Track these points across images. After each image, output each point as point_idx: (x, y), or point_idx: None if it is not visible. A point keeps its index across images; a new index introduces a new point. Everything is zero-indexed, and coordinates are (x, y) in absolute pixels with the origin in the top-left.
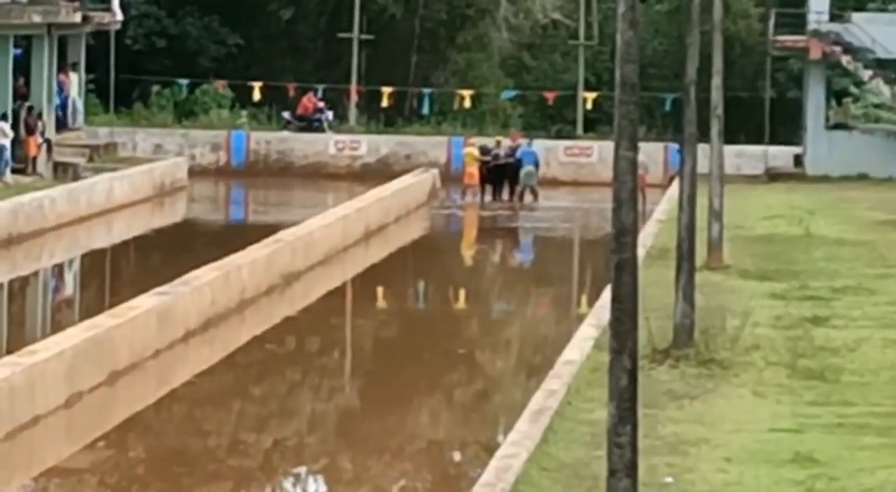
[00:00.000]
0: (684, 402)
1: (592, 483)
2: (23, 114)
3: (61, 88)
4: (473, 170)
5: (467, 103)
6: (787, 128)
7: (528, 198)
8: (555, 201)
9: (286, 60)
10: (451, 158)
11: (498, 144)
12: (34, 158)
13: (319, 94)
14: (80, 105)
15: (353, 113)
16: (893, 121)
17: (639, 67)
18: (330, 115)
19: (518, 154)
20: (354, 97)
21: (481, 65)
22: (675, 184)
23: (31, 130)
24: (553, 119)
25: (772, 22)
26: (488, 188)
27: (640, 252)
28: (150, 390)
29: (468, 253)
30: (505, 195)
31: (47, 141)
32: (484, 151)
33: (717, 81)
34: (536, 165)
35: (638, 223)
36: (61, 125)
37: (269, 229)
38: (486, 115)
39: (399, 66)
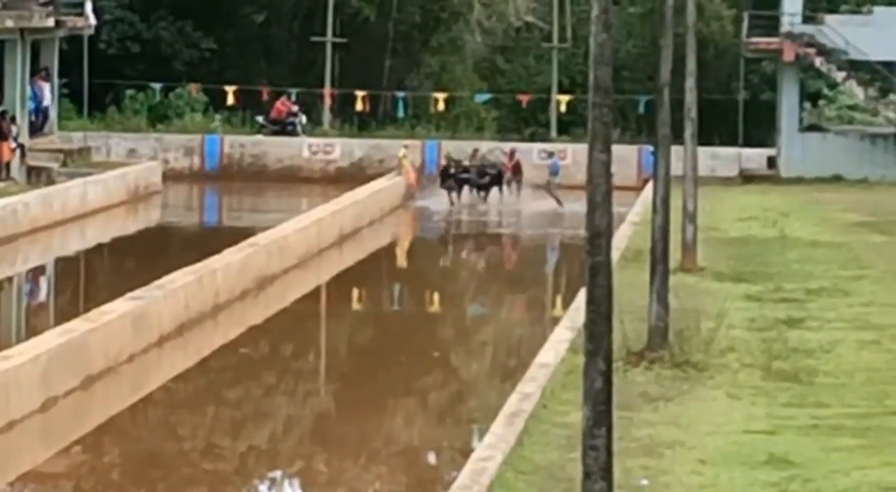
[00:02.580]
0: (659, 404)
1: (567, 486)
2: None
3: (36, 93)
4: (410, 171)
5: (441, 106)
6: (760, 130)
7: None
8: (530, 205)
9: (260, 64)
10: (426, 162)
11: (474, 153)
12: (7, 163)
13: (293, 97)
14: (51, 111)
15: (326, 116)
16: (867, 122)
17: (613, 70)
18: (304, 118)
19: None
20: (328, 101)
21: (455, 68)
22: (649, 186)
23: (3, 136)
24: (527, 122)
25: (745, 24)
26: (453, 193)
27: (615, 255)
28: (125, 395)
29: (442, 256)
30: (462, 198)
31: (21, 146)
32: (445, 170)
33: (690, 83)
34: (555, 173)
35: (612, 226)
36: (35, 130)
37: (244, 233)
38: (461, 118)
39: (373, 70)
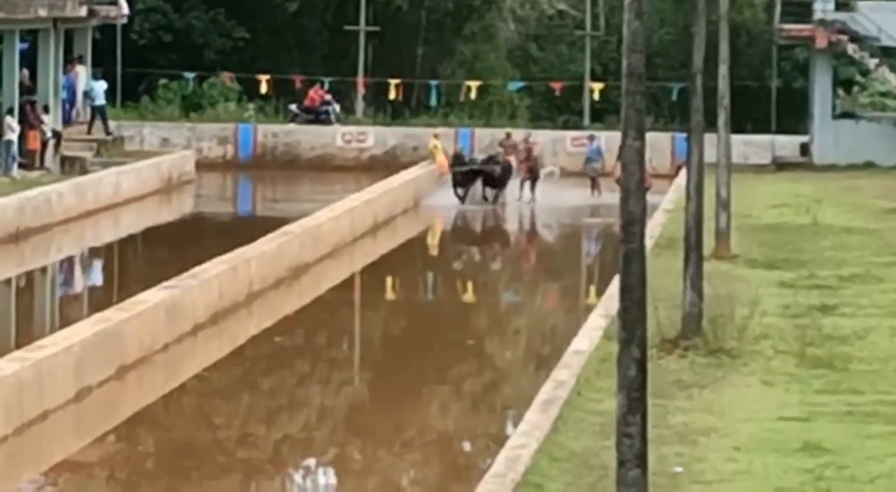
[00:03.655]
0: (693, 391)
1: (602, 473)
2: (27, 109)
3: (70, 82)
4: (442, 160)
5: (474, 94)
6: (793, 117)
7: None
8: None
9: (292, 53)
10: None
11: (508, 136)
12: (37, 152)
13: (326, 86)
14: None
15: (359, 105)
16: None
17: (645, 57)
18: (337, 107)
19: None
20: (361, 89)
21: (488, 56)
22: (683, 173)
23: (32, 125)
24: (560, 110)
25: (777, 11)
26: (460, 190)
27: (648, 242)
28: (158, 384)
29: (476, 245)
30: (473, 195)
31: (57, 135)
32: (457, 158)
33: (723, 71)
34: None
35: (646, 213)
36: (69, 119)
37: (277, 222)
38: (493, 106)
39: (405, 58)
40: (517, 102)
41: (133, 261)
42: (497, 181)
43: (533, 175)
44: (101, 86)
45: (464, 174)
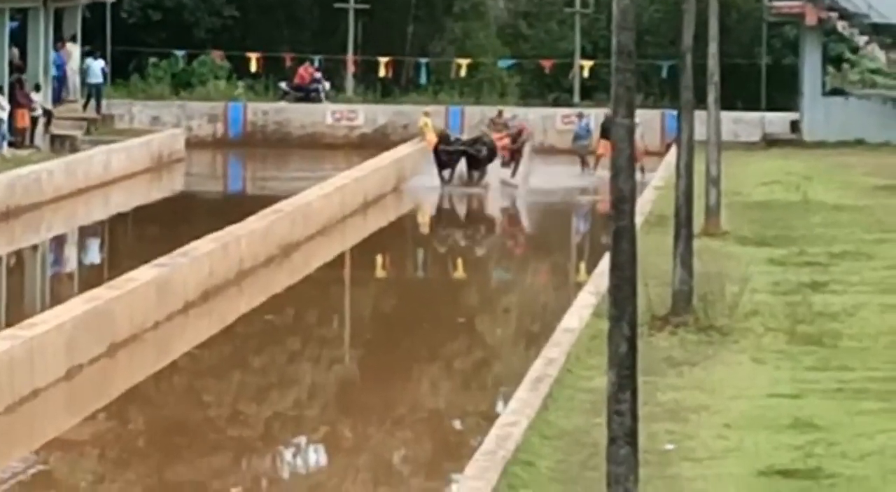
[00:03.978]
0: (684, 369)
1: (593, 451)
2: (15, 87)
3: (61, 61)
4: (433, 138)
5: (464, 72)
6: (783, 94)
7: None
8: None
9: (282, 31)
10: (448, 127)
11: (500, 114)
12: (26, 131)
13: (316, 64)
14: (78, 77)
15: (349, 83)
16: (889, 86)
17: (635, 35)
18: (327, 85)
19: (524, 137)
20: (351, 67)
21: (478, 34)
22: (673, 151)
23: (21, 104)
24: (550, 87)
25: None
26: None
27: (639, 219)
28: (149, 362)
29: (466, 223)
30: (457, 175)
31: (47, 113)
32: (443, 138)
33: (713, 48)
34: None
35: (636, 191)
36: (59, 98)
37: (268, 200)
38: (483, 83)
39: (395, 36)
40: (507, 80)
41: (123, 239)
42: (481, 163)
43: (516, 157)
44: (97, 64)
45: (449, 154)
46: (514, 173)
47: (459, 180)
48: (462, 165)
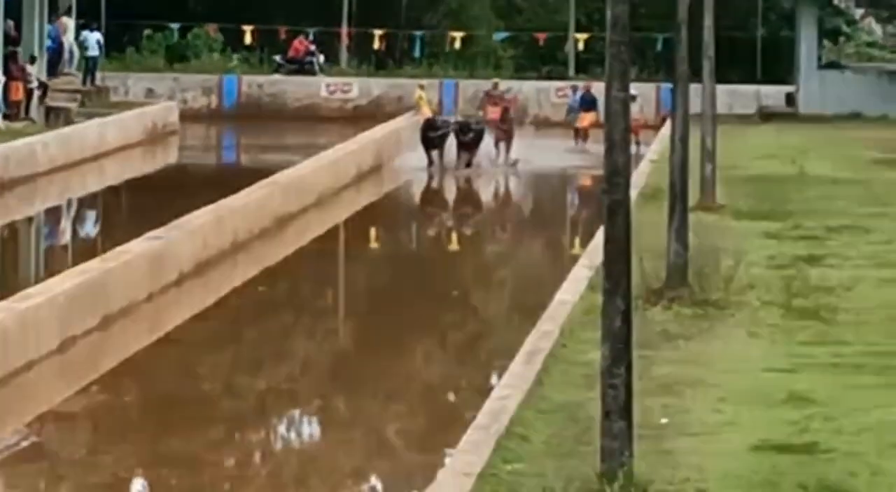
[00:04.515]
0: (679, 342)
1: (587, 425)
2: (9, 60)
3: (56, 33)
4: (427, 111)
5: (458, 45)
6: (779, 67)
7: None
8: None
9: (277, 4)
10: (443, 101)
11: (495, 86)
12: (21, 103)
13: (311, 36)
14: (76, 50)
15: (344, 56)
16: (886, 59)
17: (630, 7)
18: (321, 57)
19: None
20: (345, 40)
21: (472, 6)
22: (668, 124)
23: (15, 76)
24: (544, 60)
25: None
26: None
27: (633, 193)
28: (143, 335)
29: (461, 194)
30: (446, 158)
31: (43, 86)
32: (429, 123)
33: (708, 21)
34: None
35: (631, 164)
36: (54, 70)
37: (262, 172)
38: (478, 56)
39: (390, 9)
40: (501, 53)
41: (117, 211)
42: (469, 146)
43: (508, 135)
44: (94, 37)
45: (436, 138)
46: (507, 153)
47: (447, 163)
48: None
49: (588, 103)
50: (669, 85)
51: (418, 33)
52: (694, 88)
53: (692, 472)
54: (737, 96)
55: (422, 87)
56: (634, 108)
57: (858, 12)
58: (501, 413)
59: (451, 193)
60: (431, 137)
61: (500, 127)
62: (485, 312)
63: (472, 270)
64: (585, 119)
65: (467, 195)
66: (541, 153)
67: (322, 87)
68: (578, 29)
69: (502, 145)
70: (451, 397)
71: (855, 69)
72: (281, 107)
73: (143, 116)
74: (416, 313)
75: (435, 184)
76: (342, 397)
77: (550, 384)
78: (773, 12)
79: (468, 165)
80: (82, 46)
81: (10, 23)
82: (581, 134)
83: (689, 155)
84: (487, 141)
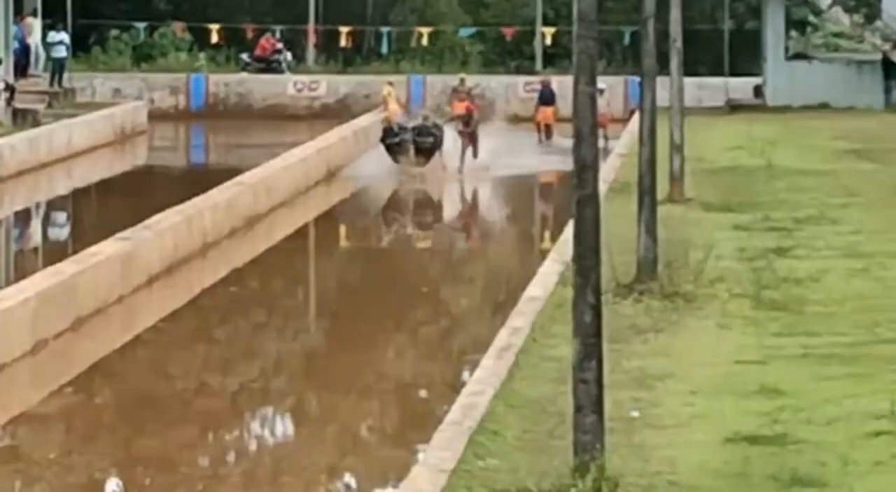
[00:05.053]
0: (649, 336)
1: (559, 419)
2: None
3: (21, 35)
4: (395, 108)
5: (425, 41)
6: (746, 59)
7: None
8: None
9: (243, 2)
10: (412, 97)
11: (462, 82)
12: None
13: (277, 34)
14: (41, 51)
15: (311, 54)
16: (853, 49)
17: (597, 1)
18: (289, 55)
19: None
20: (312, 37)
21: (438, 2)
22: (636, 117)
23: None
24: (512, 55)
25: None
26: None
27: (603, 187)
28: (115, 336)
29: (431, 191)
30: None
31: (10, 88)
32: (387, 132)
33: (675, 14)
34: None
35: (599, 159)
36: (21, 71)
37: (231, 172)
38: (445, 52)
39: (356, 5)
40: (469, 48)
41: (87, 213)
42: (429, 151)
43: (472, 139)
44: (60, 37)
45: (396, 145)
46: (475, 154)
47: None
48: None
49: (546, 97)
50: (637, 78)
51: (385, 30)
52: (662, 81)
53: (664, 465)
54: (705, 89)
55: (391, 83)
56: (602, 102)
57: (825, 2)
58: (473, 409)
59: (420, 190)
60: (389, 144)
61: (464, 131)
62: (455, 307)
63: (441, 267)
64: (543, 113)
65: (436, 192)
66: (508, 152)
67: (289, 86)
68: (545, 23)
69: (469, 150)
70: (423, 392)
71: (822, 60)
72: (248, 106)
73: (111, 117)
74: (387, 310)
75: (404, 180)
76: (314, 395)
77: (522, 379)
78: (740, 4)
79: (425, 164)
80: (49, 47)
81: None
82: (544, 129)
83: (658, 148)
84: (451, 141)
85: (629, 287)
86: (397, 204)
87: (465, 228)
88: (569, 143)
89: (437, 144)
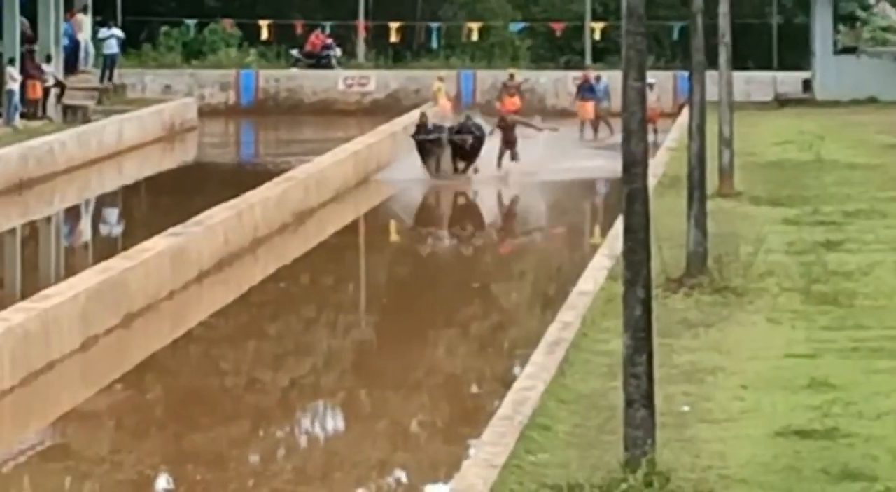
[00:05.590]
0: (699, 330)
1: (610, 414)
2: (26, 58)
3: (72, 31)
4: (445, 103)
5: (475, 36)
6: (795, 53)
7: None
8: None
9: None
10: (461, 92)
11: (511, 77)
12: (38, 102)
13: (327, 30)
14: (91, 47)
15: (361, 49)
16: None
17: None
18: (338, 51)
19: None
20: (362, 33)
21: None
22: (685, 112)
23: (31, 75)
24: (562, 50)
25: None
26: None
27: (652, 181)
28: (165, 332)
29: (480, 186)
30: (444, 166)
31: (60, 84)
32: (421, 127)
33: (724, 8)
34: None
35: (648, 153)
36: (71, 68)
37: (281, 167)
38: (495, 47)
39: (406, 1)
40: (518, 44)
41: (137, 209)
42: (468, 152)
43: (511, 145)
44: (112, 34)
45: (429, 143)
46: (513, 159)
47: (446, 172)
48: (447, 155)
49: (586, 92)
50: (686, 73)
51: (435, 25)
52: (711, 76)
53: (714, 459)
54: (753, 83)
55: (441, 78)
56: (651, 97)
57: None
58: (524, 404)
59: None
60: (421, 141)
61: (506, 139)
62: (507, 302)
63: (490, 265)
64: (584, 108)
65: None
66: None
67: (339, 81)
68: (595, 18)
69: (507, 153)
70: (474, 387)
71: (870, 54)
72: (298, 101)
73: (161, 113)
74: (438, 305)
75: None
76: (365, 390)
77: (573, 374)
78: None
79: (465, 171)
80: (99, 44)
81: (26, 21)
82: (589, 124)
83: (707, 142)
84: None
85: (679, 281)
86: (441, 201)
87: (512, 224)
88: (614, 139)
89: (478, 146)
